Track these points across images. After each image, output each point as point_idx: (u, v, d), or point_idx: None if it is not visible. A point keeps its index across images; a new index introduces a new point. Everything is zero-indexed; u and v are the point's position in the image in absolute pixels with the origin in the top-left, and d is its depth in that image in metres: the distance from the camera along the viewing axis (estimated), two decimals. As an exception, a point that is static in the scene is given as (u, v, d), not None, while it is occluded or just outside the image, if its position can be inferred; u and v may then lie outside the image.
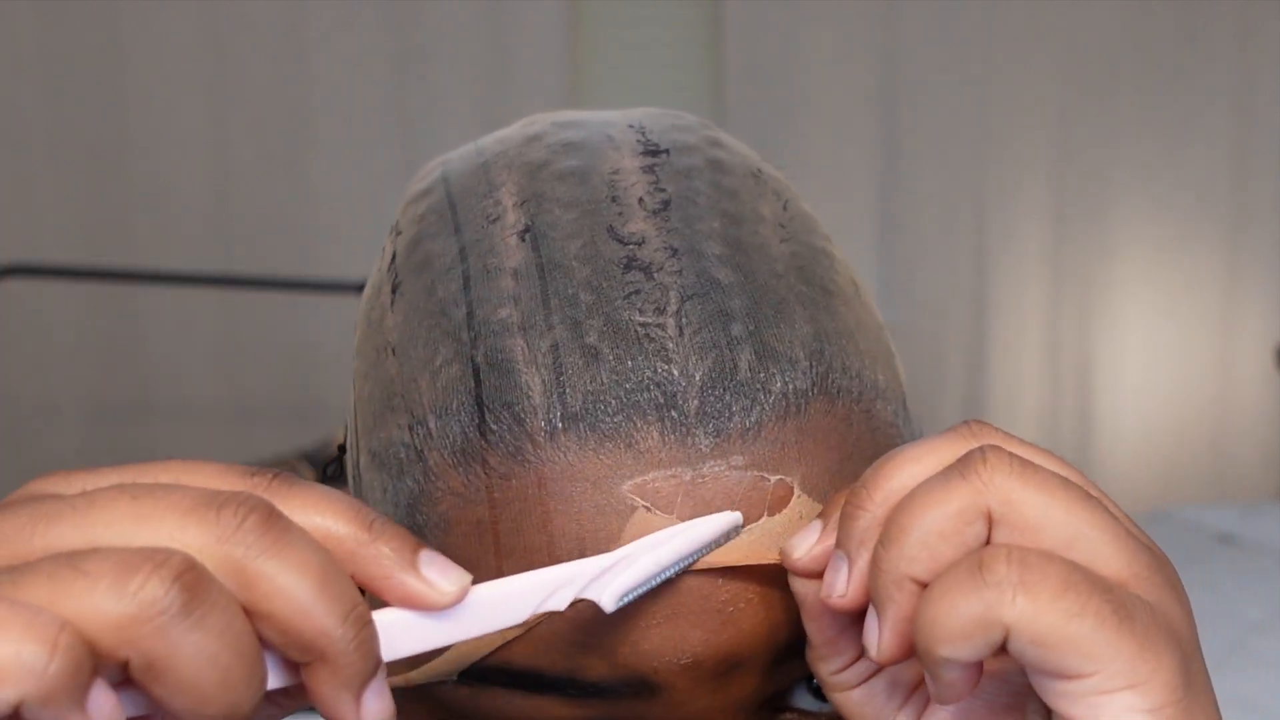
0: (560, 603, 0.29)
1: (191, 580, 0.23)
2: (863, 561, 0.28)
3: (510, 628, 0.29)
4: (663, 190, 0.35)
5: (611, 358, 0.31)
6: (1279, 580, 1.84)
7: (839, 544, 0.29)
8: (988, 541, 0.27)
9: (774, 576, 0.31)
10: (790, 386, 0.32)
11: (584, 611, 0.31)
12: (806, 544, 0.30)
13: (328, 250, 2.36)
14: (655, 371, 0.31)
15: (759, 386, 0.31)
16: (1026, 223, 2.59)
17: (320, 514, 0.27)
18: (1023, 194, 2.58)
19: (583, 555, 0.31)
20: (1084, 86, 2.56)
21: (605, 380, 0.31)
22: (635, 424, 0.31)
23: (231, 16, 2.33)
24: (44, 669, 0.21)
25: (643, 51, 2.52)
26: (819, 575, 0.30)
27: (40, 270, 2.02)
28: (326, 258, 2.33)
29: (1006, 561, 0.25)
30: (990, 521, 0.27)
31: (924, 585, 0.27)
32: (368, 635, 0.25)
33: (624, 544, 0.30)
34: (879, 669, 0.31)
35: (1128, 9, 2.55)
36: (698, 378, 0.31)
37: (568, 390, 0.31)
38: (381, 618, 0.27)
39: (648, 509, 0.30)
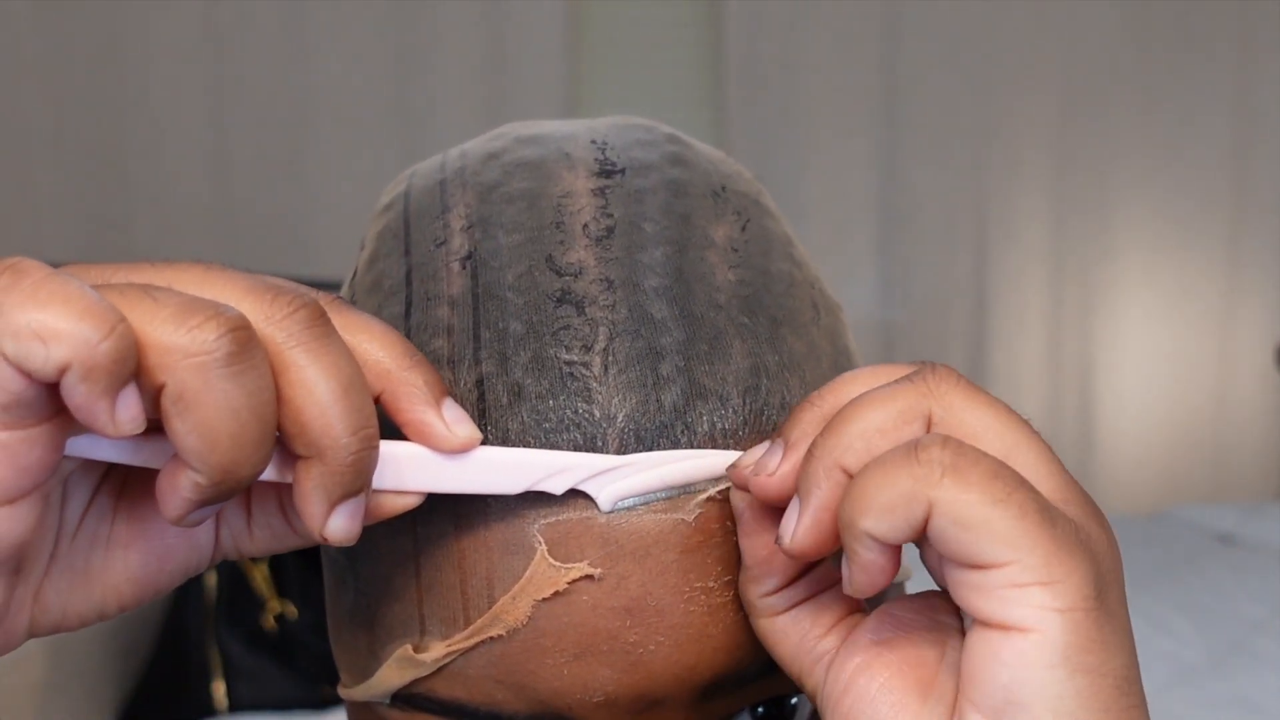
0: (557, 486, 0.30)
1: (243, 338, 0.24)
2: (801, 449, 0.29)
3: (502, 494, 0.30)
4: (609, 215, 0.34)
5: (534, 396, 0.31)
6: (1279, 580, 1.84)
7: (781, 433, 0.30)
8: None
9: (685, 621, 0.31)
10: (718, 426, 0.31)
11: (500, 646, 0.31)
12: (755, 456, 0.30)
13: (328, 250, 2.36)
14: (576, 412, 0.31)
15: (683, 427, 0.31)
16: (1026, 222, 2.59)
17: (368, 336, 0.29)
18: (1023, 194, 2.58)
19: (491, 595, 0.31)
20: (1084, 86, 2.56)
21: (526, 419, 0.31)
22: None
23: (231, 16, 2.33)
24: (96, 344, 0.23)
25: (643, 51, 2.52)
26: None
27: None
28: (326, 258, 2.33)
29: (941, 446, 0.26)
30: (929, 425, 0.28)
31: (850, 477, 0.27)
32: (367, 456, 0.26)
33: (528, 583, 0.30)
34: (808, 597, 0.31)
35: (1128, 9, 2.55)
36: (619, 419, 0.31)
37: (489, 428, 0.31)
38: (396, 449, 0.29)
39: (549, 560, 0.30)
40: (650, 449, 0.31)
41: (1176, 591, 1.76)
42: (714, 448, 0.31)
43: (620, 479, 0.30)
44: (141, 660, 1.65)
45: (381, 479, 0.28)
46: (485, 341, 0.32)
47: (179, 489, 0.25)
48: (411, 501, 0.29)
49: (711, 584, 0.31)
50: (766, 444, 0.31)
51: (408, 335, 0.33)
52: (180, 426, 0.24)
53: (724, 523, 0.31)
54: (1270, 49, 2.59)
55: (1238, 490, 2.69)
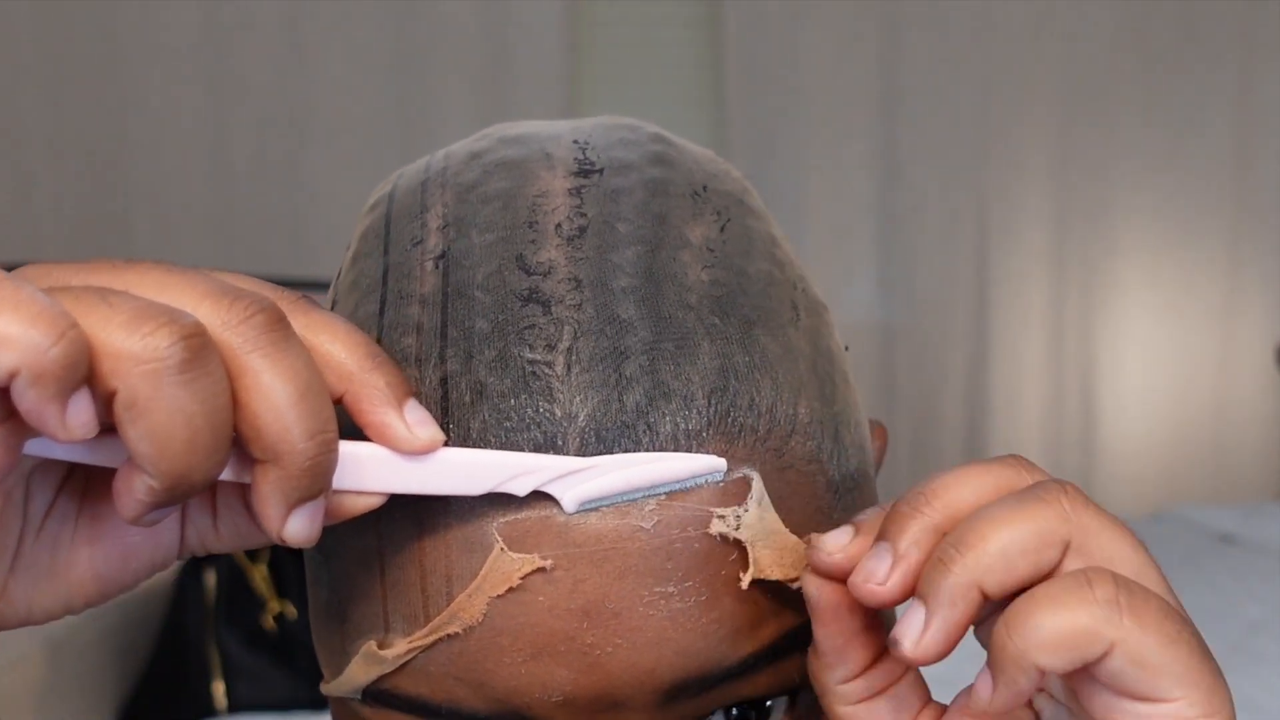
0: (521, 488, 0.30)
1: (196, 345, 0.24)
2: (913, 559, 0.28)
3: (468, 495, 0.30)
4: (583, 215, 0.34)
5: (496, 394, 0.31)
6: (1279, 580, 1.84)
7: (887, 538, 0.29)
8: (1056, 567, 0.28)
9: (643, 624, 0.31)
10: (681, 427, 0.31)
11: (459, 644, 0.31)
12: (840, 542, 0.30)
13: (328, 250, 2.36)
14: (537, 411, 0.31)
15: (645, 427, 0.31)
16: (1027, 222, 2.59)
17: (331, 336, 0.28)
18: (1023, 194, 2.58)
19: (449, 593, 0.31)
20: (1084, 86, 2.56)
21: (487, 418, 0.31)
22: None
23: (231, 15, 2.33)
24: (45, 350, 0.23)
25: (643, 51, 2.52)
26: (841, 579, 0.30)
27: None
28: (325, 258, 2.33)
29: (1114, 583, 0.26)
30: (1065, 550, 0.28)
31: (985, 598, 0.27)
32: (325, 460, 0.26)
33: (484, 581, 0.30)
34: (886, 687, 0.31)
35: (1128, 9, 2.55)
36: (580, 418, 0.31)
37: (452, 426, 0.31)
38: (358, 449, 0.29)
39: (503, 549, 0.30)
40: (611, 449, 0.31)
41: (1176, 591, 1.76)
42: (677, 449, 0.31)
43: (585, 481, 0.30)
44: (141, 660, 1.66)
45: (342, 479, 0.28)
46: (452, 340, 0.32)
47: (133, 491, 0.25)
48: (373, 502, 0.29)
49: (671, 589, 0.31)
50: (846, 530, 0.30)
51: (381, 334, 0.33)
52: (132, 433, 0.24)
53: (684, 528, 0.31)
54: (1272, 49, 2.59)
55: (1238, 490, 2.69)
